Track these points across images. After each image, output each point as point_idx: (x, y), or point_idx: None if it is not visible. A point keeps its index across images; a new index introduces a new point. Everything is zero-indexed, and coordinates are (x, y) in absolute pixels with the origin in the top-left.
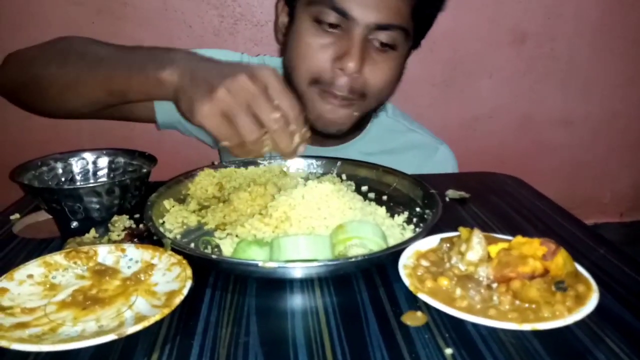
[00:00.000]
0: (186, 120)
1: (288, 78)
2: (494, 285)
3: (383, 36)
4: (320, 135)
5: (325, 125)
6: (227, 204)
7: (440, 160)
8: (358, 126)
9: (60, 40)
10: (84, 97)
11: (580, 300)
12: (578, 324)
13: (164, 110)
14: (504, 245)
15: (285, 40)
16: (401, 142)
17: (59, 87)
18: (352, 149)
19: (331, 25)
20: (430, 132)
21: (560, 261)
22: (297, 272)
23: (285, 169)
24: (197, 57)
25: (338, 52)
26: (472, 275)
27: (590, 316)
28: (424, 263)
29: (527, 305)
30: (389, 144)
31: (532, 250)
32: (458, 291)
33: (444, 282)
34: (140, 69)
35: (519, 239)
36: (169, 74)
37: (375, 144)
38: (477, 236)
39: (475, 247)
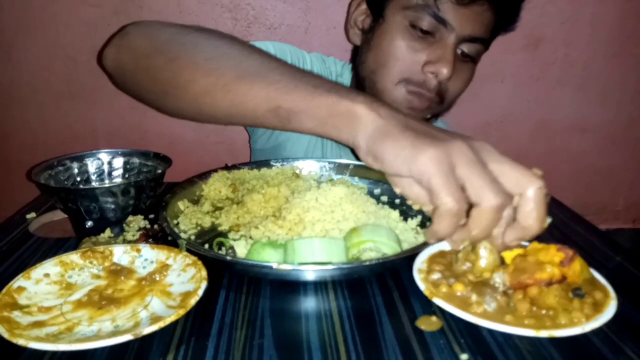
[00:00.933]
0: (384, 162)
1: (367, 75)
2: (510, 291)
3: (468, 47)
4: None
5: None
6: (241, 206)
7: None
8: None
9: (195, 27)
10: (235, 106)
11: (598, 307)
12: (596, 332)
13: None
14: (520, 251)
15: (366, 40)
16: None
17: (208, 85)
18: None
19: (424, 32)
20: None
21: (578, 267)
22: (311, 274)
23: (297, 172)
24: (396, 110)
25: (431, 57)
26: (487, 282)
27: (608, 324)
28: (439, 268)
29: (544, 312)
30: None
31: (549, 257)
32: (474, 297)
33: (459, 287)
34: (325, 92)
35: (535, 245)
36: (366, 110)
37: None
38: (485, 246)
39: (483, 256)
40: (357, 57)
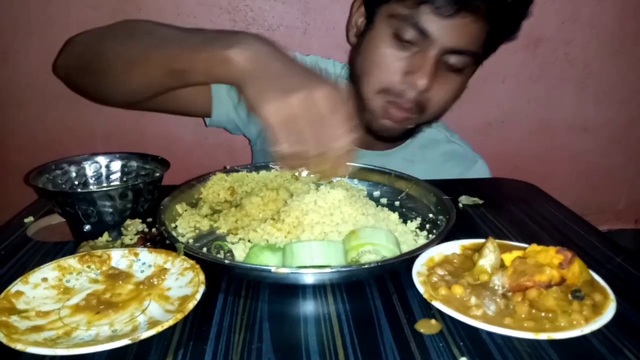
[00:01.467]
0: (247, 108)
1: (354, 79)
2: (509, 294)
3: (454, 59)
4: (371, 135)
5: (383, 131)
6: (239, 209)
7: (476, 173)
8: (407, 135)
9: (124, 22)
10: (144, 76)
11: (597, 309)
12: (595, 333)
13: (221, 104)
14: (519, 253)
15: (359, 42)
16: (441, 152)
17: (121, 65)
18: (395, 156)
19: (408, 42)
20: (469, 145)
21: (577, 270)
22: (310, 278)
23: (296, 174)
24: (268, 44)
25: (410, 68)
26: (487, 284)
27: (607, 326)
28: (438, 270)
29: (543, 314)
30: (429, 154)
31: (548, 259)
32: (473, 300)
33: (458, 290)
34: (206, 46)
35: (534, 247)
36: (238, 53)
37: (417, 153)
38: (492, 244)
39: (489, 255)
40: (351, 58)
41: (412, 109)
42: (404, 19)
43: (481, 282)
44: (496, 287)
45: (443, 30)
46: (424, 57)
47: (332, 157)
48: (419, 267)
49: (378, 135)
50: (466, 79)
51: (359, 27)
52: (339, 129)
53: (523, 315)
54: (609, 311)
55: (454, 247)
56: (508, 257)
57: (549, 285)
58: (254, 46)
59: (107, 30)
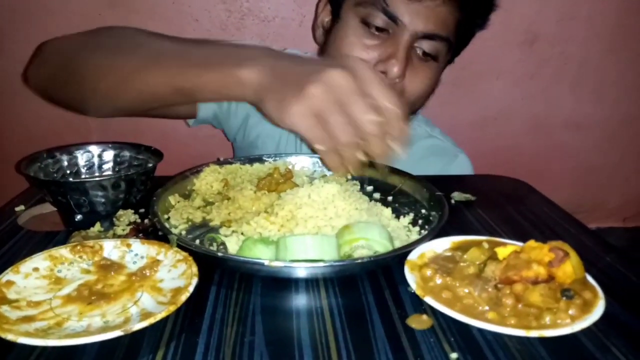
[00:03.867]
0: (274, 124)
1: None
2: (500, 286)
3: (427, 45)
4: None
5: None
6: (232, 201)
7: (458, 168)
8: None
9: (105, 30)
10: (142, 93)
11: (586, 307)
12: (584, 331)
13: (206, 107)
14: (516, 248)
15: (326, 39)
16: (422, 147)
17: (112, 81)
18: None
19: (378, 29)
20: (450, 139)
21: (569, 269)
22: (303, 272)
23: (290, 167)
24: (277, 53)
25: (382, 55)
26: (480, 274)
27: (596, 324)
28: (430, 266)
29: (531, 310)
30: (410, 149)
31: (540, 256)
32: (464, 291)
33: (449, 282)
34: (216, 66)
35: (531, 243)
36: (250, 72)
37: None
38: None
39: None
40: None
41: None
42: (372, 4)
43: (475, 272)
44: (489, 278)
45: (412, 14)
46: (395, 43)
47: (379, 132)
48: (411, 263)
49: None
50: (440, 69)
51: (325, 25)
52: (374, 99)
53: (508, 308)
54: (598, 309)
55: (446, 243)
56: (503, 251)
57: (535, 282)
58: (263, 59)
59: (90, 39)
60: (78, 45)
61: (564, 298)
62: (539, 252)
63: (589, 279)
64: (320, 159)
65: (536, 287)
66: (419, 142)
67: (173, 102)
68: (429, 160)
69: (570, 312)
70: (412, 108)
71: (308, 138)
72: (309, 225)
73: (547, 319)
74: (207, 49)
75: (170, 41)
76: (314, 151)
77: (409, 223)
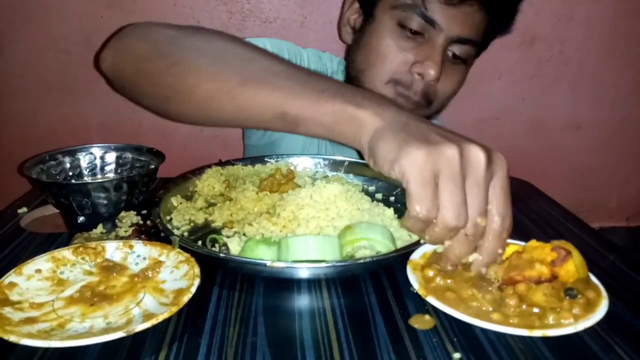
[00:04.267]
0: (377, 164)
1: (356, 75)
2: (504, 286)
3: (458, 49)
4: None
5: None
6: (234, 202)
7: None
8: None
9: (204, 33)
10: (242, 110)
11: (590, 307)
12: (587, 331)
13: None
14: (518, 248)
15: (357, 38)
16: None
17: (213, 91)
18: None
19: (413, 32)
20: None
21: (572, 268)
22: (305, 272)
23: (292, 168)
24: (397, 105)
25: (419, 58)
26: (483, 276)
27: (600, 323)
28: (433, 266)
29: (534, 310)
30: None
31: (543, 255)
32: (468, 292)
33: (452, 282)
34: (334, 99)
35: (533, 242)
36: (373, 115)
37: None
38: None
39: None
40: (348, 56)
41: (419, 101)
42: (410, 8)
43: (477, 274)
44: (492, 279)
45: (449, 18)
46: (432, 46)
47: (496, 232)
48: (413, 263)
49: None
50: (468, 71)
51: (354, 24)
52: (489, 202)
53: (511, 309)
54: (602, 309)
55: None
56: (506, 251)
57: (538, 281)
58: (386, 107)
59: (188, 38)
60: (173, 40)
61: (567, 297)
62: (541, 251)
63: (592, 278)
64: (401, 220)
65: (539, 287)
66: None
67: (270, 126)
68: None
69: (574, 311)
70: (439, 108)
71: (409, 191)
72: (311, 225)
73: (551, 318)
74: (320, 80)
75: (275, 60)
76: (401, 213)
77: None
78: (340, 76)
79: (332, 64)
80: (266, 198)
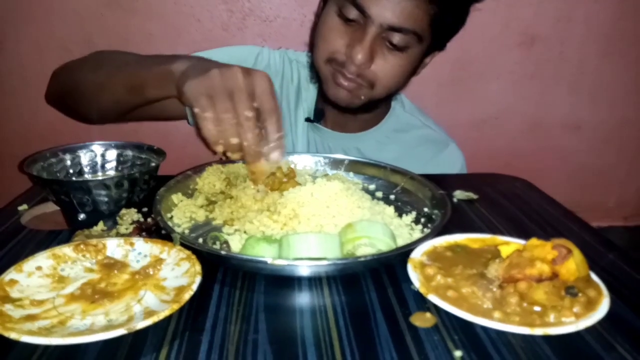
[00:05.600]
0: (180, 101)
1: (310, 54)
2: (504, 285)
3: (395, 37)
4: (330, 105)
5: (336, 98)
6: (235, 200)
7: (448, 157)
8: (369, 110)
9: (96, 53)
10: (112, 96)
11: (591, 305)
12: (589, 329)
13: None
14: (519, 246)
15: (315, 22)
16: (415, 136)
17: (92, 90)
18: (368, 137)
19: (350, 20)
20: (443, 130)
21: (572, 266)
22: (306, 270)
23: (292, 166)
24: (204, 59)
25: (351, 41)
26: (484, 274)
27: (601, 322)
28: (433, 264)
29: (535, 308)
30: (403, 137)
31: (543, 254)
32: (468, 290)
33: (452, 282)
34: (156, 65)
35: (534, 241)
36: (177, 66)
37: (390, 135)
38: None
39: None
40: None
41: (356, 80)
42: None
43: (479, 272)
44: (493, 278)
45: (381, 8)
46: (362, 32)
47: (248, 127)
48: (414, 261)
49: (335, 105)
50: (414, 58)
51: (318, 12)
52: (257, 103)
53: (512, 307)
54: (603, 307)
55: (448, 242)
56: (506, 249)
57: (539, 280)
58: (192, 59)
59: (82, 62)
60: (73, 68)
61: (568, 296)
62: (542, 249)
63: (593, 276)
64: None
65: (540, 285)
66: (413, 131)
67: (134, 101)
68: (421, 148)
69: (575, 310)
70: (387, 92)
71: (193, 106)
72: (312, 223)
73: (552, 316)
74: (157, 57)
75: (136, 56)
76: (197, 127)
77: (411, 221)
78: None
79: (309, 58)
80: (267, 196)
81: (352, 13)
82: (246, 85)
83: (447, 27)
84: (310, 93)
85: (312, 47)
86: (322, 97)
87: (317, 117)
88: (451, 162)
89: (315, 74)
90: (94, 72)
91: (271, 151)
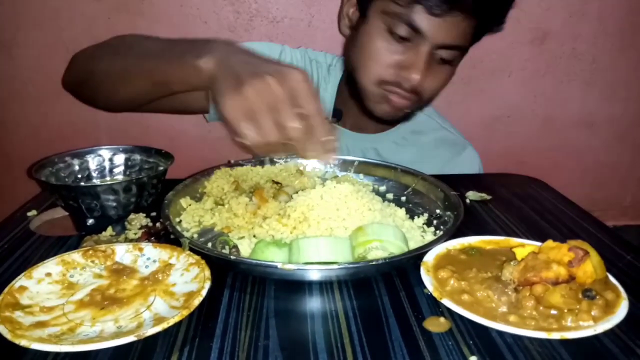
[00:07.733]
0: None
1: (351, 71)
2: (520, 288)
3: (445, 53)
4: (372, 119)
5: (383, 114)
6: (228, 209)
7: (465, 159)
8: (405, 118)
9: (115, 38)
10: (132, 88)
11: (609, 308)
12: (607, 333)
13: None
14: (534, 248)
15: (353, 35)
16: (432, 138)
17: (111, 80)
18: (386, 139)
19: (401, 38)
20: (460, 133)
21: (589, 268)
22: (317, 274)
23: (301, 168)
24: (234, 48)
25: (405, 63)
26: (499, 277)
27: (619, 325)
28: (447, 267)
29: (551, 312)
30: (420, 139)
31: (560, 256)
32: (483, 293)
33: (466, 285)
34: (180, 59)
35: (550, 243)
36: (205, 62)
37: (408, 137)
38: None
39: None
40: (345, 50)
41: (410, 97)
42: (398, 16)
43: (494, 275)
44: (508, 281)
45: (435, 28)
46: (417, 53)
47: (301, 137)
48: (427, 264)
49: (379, 119)
50: (455, 69)
51: (352, 18)
52: (301, 107)
53: (528, 310)
54: (621, 310)
55: (462, 244)
56: (521, 252)
57: (556, 282)
58: (219, 51)
59: (99, 48)
60: (90, 54)
61: (586, 299)
62: (558, 252)
63: (611, 278)
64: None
65: (557, 288)
66: (430, 133)
67: (158, 94)
68: (437, 150)
69: (593, 313)
70: (428, 101)
71: (235, 129)
72: (322, 226)
73: (569, 320)
74: (179, 45)
75: (157, 42)
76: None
77: (423, 223)
78: (338, 68)
79: (327, 59)
80: (263, 208)
81: (404, 31)
82: (285, 94)
83: (480, 36)
84: (327, 93)
85: (352, 61)
86: (363, 111)
87: (336, 117)
88: (468, 165)
89: (355, 88)
90: (112, 62)
91: (322, 153)
